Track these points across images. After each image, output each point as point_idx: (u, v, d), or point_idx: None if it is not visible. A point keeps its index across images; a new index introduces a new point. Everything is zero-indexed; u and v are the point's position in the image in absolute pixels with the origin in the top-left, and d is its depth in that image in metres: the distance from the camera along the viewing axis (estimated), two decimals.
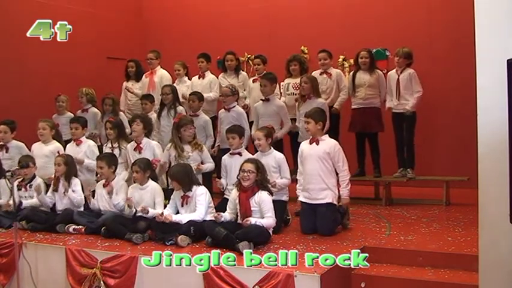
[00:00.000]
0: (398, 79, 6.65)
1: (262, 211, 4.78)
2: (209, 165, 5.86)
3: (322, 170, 5.19)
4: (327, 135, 5.39)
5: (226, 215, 4.96)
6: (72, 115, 7.03)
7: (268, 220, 4.75)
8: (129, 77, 7.80)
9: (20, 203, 5.72)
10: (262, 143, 5.41)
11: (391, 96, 6.72)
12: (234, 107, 6.32)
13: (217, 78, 7.34)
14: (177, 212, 5.19)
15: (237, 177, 5.01)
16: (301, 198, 5.36)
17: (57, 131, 6.64)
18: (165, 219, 4.93)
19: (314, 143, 5.27)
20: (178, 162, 5.64)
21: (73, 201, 5.75)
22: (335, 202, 5.22)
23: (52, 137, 6.43)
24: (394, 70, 6.78)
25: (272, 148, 5.50)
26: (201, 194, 5.12)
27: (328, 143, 5.25)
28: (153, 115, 6.75)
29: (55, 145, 6.37)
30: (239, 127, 5.76)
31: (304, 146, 5.37)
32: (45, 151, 6.31)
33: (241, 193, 4.91)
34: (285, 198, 5.48)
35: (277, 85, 6.87)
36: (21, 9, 7.99)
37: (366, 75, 6.75)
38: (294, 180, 5.51)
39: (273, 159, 5.41)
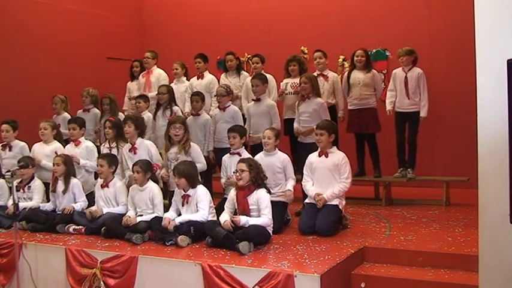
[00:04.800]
0: (406, 77, 6.64)
1: (259, 209, 4.79)
2: (197, 165, 5.61)
3: (331, 182, 5.25)
4: (335, 147, 5.43)
5: (225, 216, 4.94)
6: (69, 116, 7.02)
7: (263, 219, 4.74)
8: (133, 77, 7.82)
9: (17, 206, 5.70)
10: (272, 142, 5.47)
11: (400, 95, 6.66)
12: (229, 106, 6.31)
13: (218, 78, 7.33)
14: (179, 213, 5.19)
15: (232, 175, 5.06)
16: (307, 201, 5.38)
17: (59, 132, 6.64)
18: (169, 226, 4.91)
19: (323, 156, 5.32)
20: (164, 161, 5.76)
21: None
22: (341, 208, 5.24)
23: (53, 137, 6.44)
24: (400, 68, 6.74)
25: (277, 149, 5.53)
26: (202, 194, 5.12)
27: (336, 155, 5.32)
28: (146, 114, 6.72)
29: (56, 145, 6.39)
30: (240, 127, 5.79)
31: (313, 159, 5.40)
32: (46, 151, 6.32)
33: (238, 192, 4.93)
34: (285, 199, 5.47)
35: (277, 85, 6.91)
36: (21, 9, 7.99)
37: (361, 74, 6.74)
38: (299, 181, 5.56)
39: (278, 159, 5.45)
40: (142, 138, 6.06)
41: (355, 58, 6.77)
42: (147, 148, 5.97)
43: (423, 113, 6.57)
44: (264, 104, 6.25)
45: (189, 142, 5.74)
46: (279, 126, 6.19)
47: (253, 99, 6.37)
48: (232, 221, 4.72)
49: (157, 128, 6.62)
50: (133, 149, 5.93)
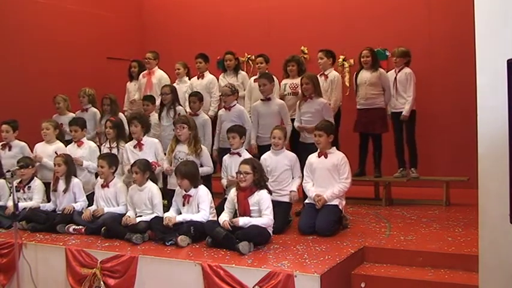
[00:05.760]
0: (395, 78, 6.66)
1: (261, 209, 4.79)
2: (204, 168, 5.68)
3: (331, 182, 5.27)
4: (334, 147, 5.44)
5: (224, 216, 4.94)
6: (73, 115, 7.03)
7: (264, 219, 4.74)
8: (132, 77, 7.82)
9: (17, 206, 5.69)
10: (281, 142, 5.51)
11: (391, 96, 6.70)
12: (234, 106, 6.31)
13: (218, 78, 7.33)
14: (180, 213, 5.19)
15: (235, 176, 5.07)
16: (307, 201, 5.38)
17: (61, 131, 6.64)
18: (168, 222, 4.93)
19: (322, 156, 5.34)
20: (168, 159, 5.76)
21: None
22: (341, 208, 5.24)
23: (56, 137, 6.45)
24: (393, 70, 6.79)
25: (284, 147, 5.57)
26: (203, 195, 5.12)
27: (336, 156, 5.33)
28: (154, 116, 6.75)
29: (58, 145, 6.39)
30: (240, 127, 5.77)
31: (313, 159, 5.42)
32: (49, 151, 6.33)
33: (239, 193, 4.93)
34: (288, 200, 5.49)
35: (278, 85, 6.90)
36: (21, 9, 7.99)
37: (367, 73, 6.72)
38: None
39: (286, 158, 5.49)
40: (148, 134, 6.09)
41: (362, 59, 6.75)
42: (154, 145, 5.99)
43: (405, 111, 6.56)
44: (274, 103, 6.23)
45: (200, 144, 5.74)
46: (290, 126, 6.17)
47: (261, 99, 6.33)
48: (231, 222, 4.73)
49: (161, 129, 6.62)
50: (139, 145, 5.95)
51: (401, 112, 6.63)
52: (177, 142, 5.79)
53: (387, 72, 6.84)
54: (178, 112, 6.51)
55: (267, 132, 5.97)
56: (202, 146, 5.80)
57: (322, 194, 5.20)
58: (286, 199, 5.43)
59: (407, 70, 6.64)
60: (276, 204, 4.99)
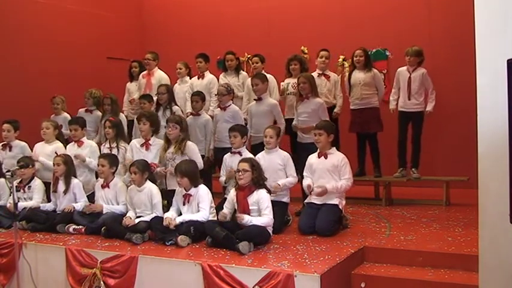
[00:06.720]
0: (410, 77, 6.63)
1: (260, 209, 4.79)
2: None
3: (330, 183, 5.24)
4: (334, 148, 5.44)
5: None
6: (68, 116, 7.02)
7: (264, 218, 4.75)
8: (132, 77, 7.81)
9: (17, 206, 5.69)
10: (274, 141, 5.49)
11: (403, 94, 6.66)
12: (229, 105, 6.30)
13: (218, 78, 7.33)
14: (180, 212, 5.19)
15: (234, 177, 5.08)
16: (307, 201, 5.39)
17: (60, 132, 6.64)
18: (168, 223, 4.92)
19: (322, 157, 5.33)
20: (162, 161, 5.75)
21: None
22: (341, 208, 5.24)
23: (55, 137, 6.45)
24: (405, 68, 6.71)
25: (278, 147, 5.55)
26: (204, 194, 5.12)
27: (336, 156, 5.33)
28: None
29: (57, 145, 6.40)
30: (241, 126, 5.78)
31: (313, 160, 5.41)
32: (47, 151, 6.33)
33: (238, 192, 4.93)
34: (286, 199, 5.50)
35: (278, 85, 6.90)
36: (21, 9, 8.00)
37: (361, 73, 6.73)
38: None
39: (279, 156, 5.47)
40: (156, 136, 6.05)
41: (355, 58, 6.77)
42: (160, 147, 5.91)
43: (430, 108, 6.54)
44: (265, 103, 6.22)
45: (185, 142, 5.71)
46: (283, 125, 6.15)
47: (254, 99, 6.34)
48: (235, 217, 4.75)
49: None
50: (146, 145, 5.92)
51: (411, 111, 6.61)
52: (168, 142, 5.77)
53: (390, 71, 6.81)
54: (174, 111, 6.51)
55: (259, 131, 5.99)
56: (188, 142, 5.72)
57: (323, 185, 5.17)
58: (282, 199, 5.42)
59: (422, 70, 6.61)
60: (273, 204, 4.97)
